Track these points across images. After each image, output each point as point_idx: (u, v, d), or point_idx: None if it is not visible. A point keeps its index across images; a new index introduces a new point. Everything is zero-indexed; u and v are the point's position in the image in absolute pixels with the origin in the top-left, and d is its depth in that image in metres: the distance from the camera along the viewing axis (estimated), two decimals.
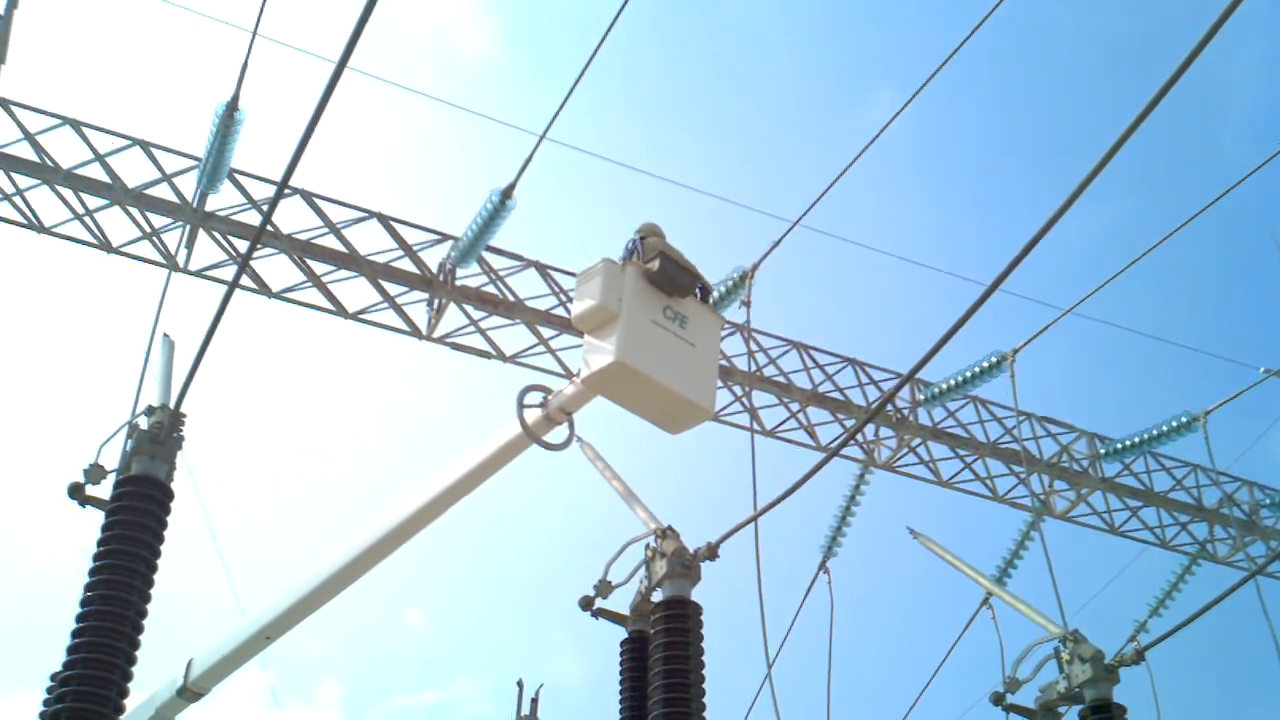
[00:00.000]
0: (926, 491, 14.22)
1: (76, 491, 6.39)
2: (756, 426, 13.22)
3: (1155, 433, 14.28)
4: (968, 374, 13.59)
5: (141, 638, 5.97)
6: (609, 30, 7.95)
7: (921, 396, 14.12)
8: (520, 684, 8.17)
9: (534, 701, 8.13)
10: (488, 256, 12.33)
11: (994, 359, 13.35)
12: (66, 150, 11.10)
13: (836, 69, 30.33)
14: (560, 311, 12.58)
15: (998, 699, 9.26)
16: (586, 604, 7.56)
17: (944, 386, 13.87)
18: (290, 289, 11.74)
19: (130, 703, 5.95)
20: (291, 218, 11.72)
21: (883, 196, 27.32)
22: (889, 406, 13.91)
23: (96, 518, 6.29)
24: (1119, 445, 14.60)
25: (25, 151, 11.00)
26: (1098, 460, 14.74)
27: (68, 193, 11.11)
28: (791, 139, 29.42)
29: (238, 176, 11.48)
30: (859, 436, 13.91)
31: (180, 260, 11.36)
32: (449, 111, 12.45)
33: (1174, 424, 14.10)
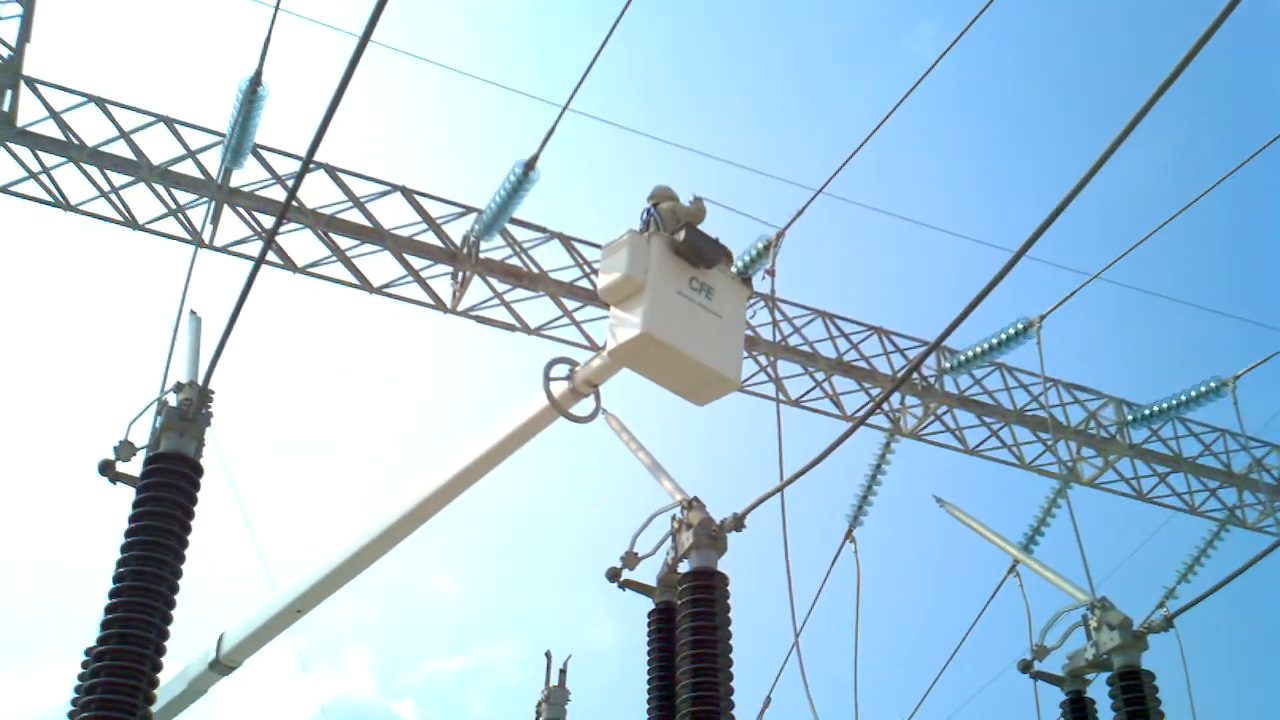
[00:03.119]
0: (953, 459, 14.20)
1: (107, 469, 6.44)
2: (782, 396, 13.21)
3: (1184, 398, 14.18)
4: (994, 341, 13.51)
5: (174, 612, 6.02)
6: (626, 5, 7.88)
7: (947, 364, 14.06)
8: (549, 655, 8.21)
9: (562, 672, 8.17)
10: (511, 229, 12.33)
11: (1020, 325, 13.25)
12: (92, 128, 11.16)
13: (876, 2, 29.82)
14: (585, 283, 12.57)
15: (1025, 666, 9.26)
16: (614, 576, 7.59)
17: (970, 354, 13.80)
18: (315, 264, 11.77)
19: (164, 676, 6.01)
20: (315, 192, 11.75)
21: (911, 160, 27.12)
22: (915, 375, 13.86)
23: (127, 494, 6.34)
24: (1147, 411, 14.52)
25: (51, 130, 11.04)
26: (1125, 426, 14.67)
27: (93, 170, 11.16)
28: (826, 87, 29.08)
29: (262, 152, 11.50)
30: (885, 405, 13.88)
31: (206, 236, 11.41)
32: (472, 83, 12.38)
33: (1203, 389, 14.00)
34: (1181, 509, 14.95)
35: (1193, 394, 14.11)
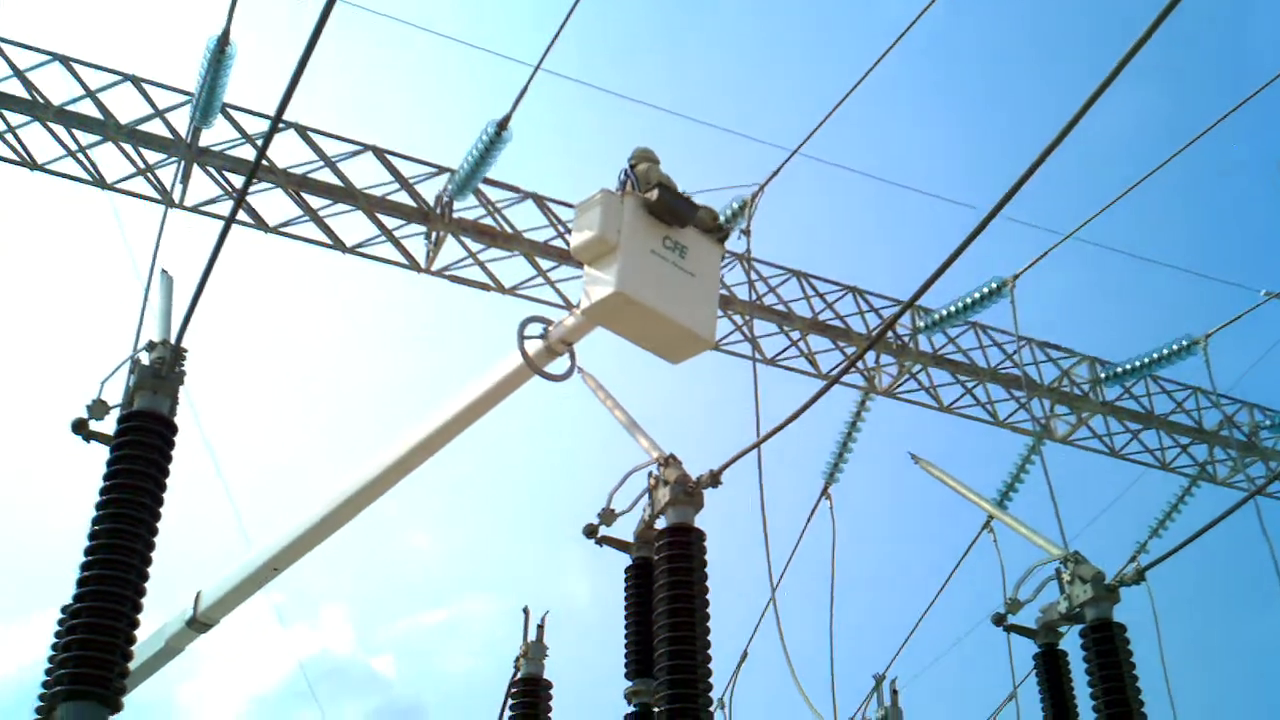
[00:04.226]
0: (927, 417, 14.28)
1: (80, 427, 6.39)
2: (758, 355, 13.24)
3: (1156, 356, 14.28)
4: (968, 300, 13.57)
5: (149, 570, 6.01)
6: None
7: (922, 323, 14.11)
8: (526, 610, 8.24)
9: (540, 627, 8.21)
10: (485, 189, 12.27)
11: (994, 284, 13.31)
12: (57, 86, 11.03)
13: None
14: (559, 243, 12.54)
15: (999, 620, 9.34)
16: (591, 532, 7.61)
17: (944, 313, 13.86)
18: (287, 224, 11.70)
19: (140, 634, 6.01)
20: (286, 152, 11.66)
21: (885, 119, 27.08)
22: (890, 334, 13.91)
23: (101, 452, 6.31)
24: (1119, 369, 14.63)
25: (16, 88, 10.90)
26: (1098, 384, 14.77)
27: (60, 129, 11.03)
28: (803, 43, 28.89)
29: (231, 111, 11.39)
30: (860, 364, 13.93)
31: (176, 196, 11.31)
32: (445, 41, 12.29)
33: (1175, 347, 14.11)
34: (1153, 465, 15.09)
35: (1165, 352, 14.21)
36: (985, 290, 13.40)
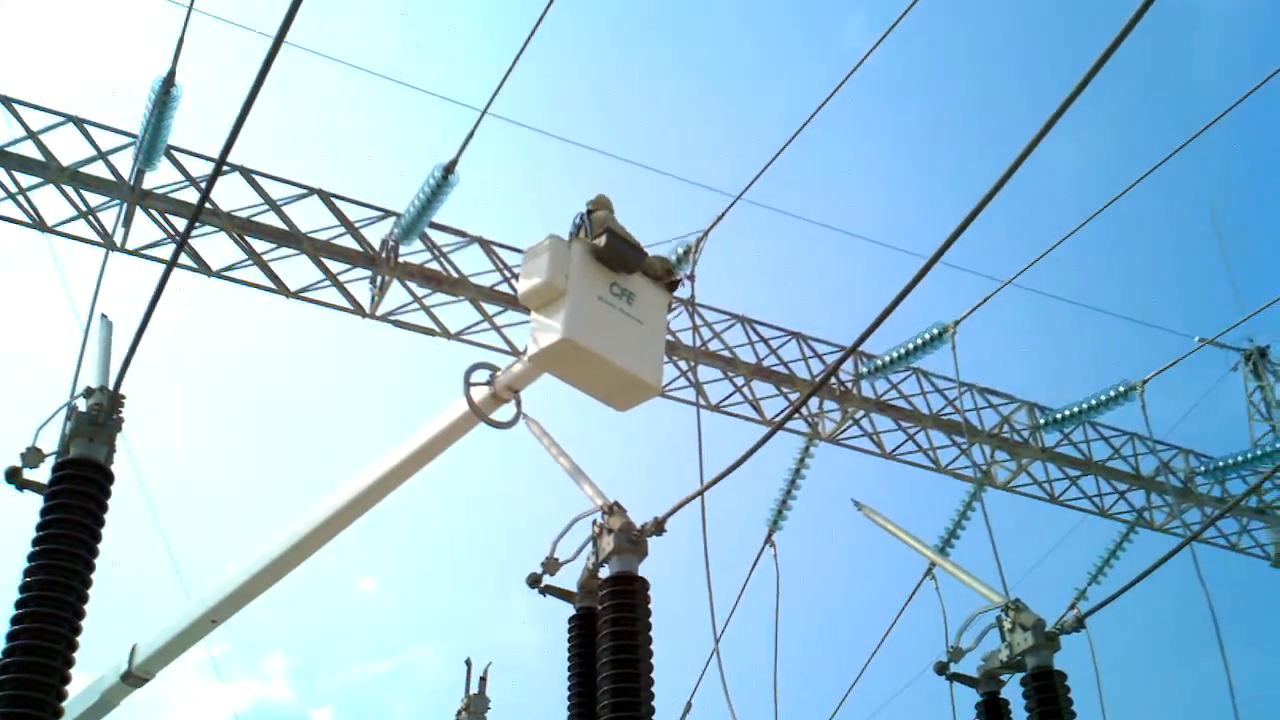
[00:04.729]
0: (870, 463, 14.36)
1: (14, 476, 6.27)
2: (702, 401, 13.27)
3: (1094, 402, 14.47)
4: (910, 346, 13.69)
5: (83, 623, 5.88)
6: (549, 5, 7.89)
7: (865, 369, 14.22)
8: (468, 662, 8.15)
9: (482, 679, 8.12)
10: (431, 233, 12.24)
11: (935, 331, 13.44)
12: None
13: None
14: (505, 288, 12.53)
15: (941, 668, 9.36)
16: (534, 581, 7.55)
17: (887, 359, 13.98)
18: (230, 267, 11.60)
19: (73, 689, 5.87)
20: (231, 195, 11.58)
21: (829, 165, 27.38)
22: (833, 379, 14.00)
23: (35, 502, 6.19)
24: (1058, 415, 14.80)
25: None
26: (1038, 430, 14.93)
27: None
28: (751, 84, 29.18)
29: (175, 154, 11.31)
30: (803, 410, 13.99)
31: (118, 239, 11.19)
32: (392, 86, 12.31)
33: (1112, 393, 14.30)
34: (1092, 511, 15.26)
35: (1102, 398, 14.40)
36: (927, 336, 13.52)
